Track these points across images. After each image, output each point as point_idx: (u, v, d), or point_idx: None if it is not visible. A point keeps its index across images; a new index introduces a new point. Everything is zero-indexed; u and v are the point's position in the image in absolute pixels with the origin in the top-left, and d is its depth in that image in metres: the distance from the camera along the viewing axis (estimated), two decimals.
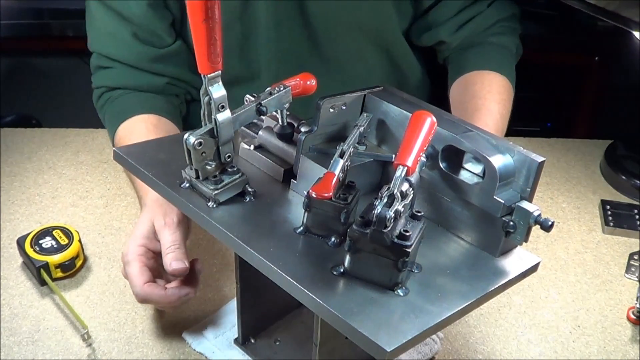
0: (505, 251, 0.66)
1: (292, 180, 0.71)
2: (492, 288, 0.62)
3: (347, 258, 0.59)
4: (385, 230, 0.56)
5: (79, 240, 0.93)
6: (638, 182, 1.14)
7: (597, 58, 1.69)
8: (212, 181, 0.66)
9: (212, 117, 0.64)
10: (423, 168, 0.66)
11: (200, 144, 0.64)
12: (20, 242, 0.91)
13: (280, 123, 0.72)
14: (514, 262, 0.66)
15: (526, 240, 0.64)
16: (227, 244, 0.65)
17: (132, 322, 0.85)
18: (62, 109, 1.34)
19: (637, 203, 1.12)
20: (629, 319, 0.90)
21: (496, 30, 1.11)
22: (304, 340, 0.80)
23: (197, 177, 0.66)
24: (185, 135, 0.64)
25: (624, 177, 1.16)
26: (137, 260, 0.78)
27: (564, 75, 1.73)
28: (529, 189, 0.64)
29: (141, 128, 0.97)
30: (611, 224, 1.06)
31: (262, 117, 0.70)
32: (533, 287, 0.94)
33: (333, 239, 0.63)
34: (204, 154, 0.65)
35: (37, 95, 1.73)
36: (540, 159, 0.63)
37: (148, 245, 0.80)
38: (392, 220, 0.56)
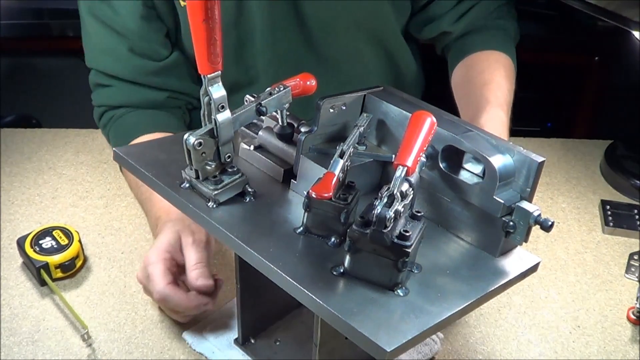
0: (505, 251, 0.66)
1: (292, 180, 0.71)
2: (492, 288, 0.62)
3: (347, 258, 0.59)
4: (385, 231, 0.56)
5: (79, 241, 0.93)
6: (638, 182, 1.14)
7: (597, 58, 1.69)
8: (212, 181, 0.66)
9: (212, 117, 0.64)
10: (423, 168, 0.66)
11: (200, 144, 0.64)
12: (20, 243, 0.91)
13: (280, 123, 0.72)
14: (514, 262, 0.66)
15: (526, 241, 0.64)
16: (227, 244, 0.65)
17: (132, 322, 0.85)
18: (62, 109, 1.34)
19: (637, 203, 1.12)
20: (629, 319, 0.90)
21: (495, 15, 1.12)
22: (304, 340, 0.80)
23: (197, 178, 0.67)
24: (185, 136, 0.64)
25: (624, 177, 1.16)
26: (162, 263, 0.79)
27: (564, 75, 1.73)
28: (529, 189, 0.64)
29: None
30: (611, 224, 1.06)
31: (262, 117, 0.70)
32: (533, 287, 0.94)
33: (333, 239, 0.63)
34: (204, 154, 0.65)
35: (37, 95, 1.73)
36: (540, 159, 0.63)
37: (173, 254, 0.82)
38: (392, 221, 0.56)
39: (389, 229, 0.56)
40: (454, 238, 0.68)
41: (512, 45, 1.12)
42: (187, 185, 0.68)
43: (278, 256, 0.61)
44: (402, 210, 0.57)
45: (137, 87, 1.05)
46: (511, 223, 0.64)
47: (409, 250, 0.57)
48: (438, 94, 1.10)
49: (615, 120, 1.65)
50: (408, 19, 1.14)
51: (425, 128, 0.60)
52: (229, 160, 0.67)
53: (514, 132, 1.05)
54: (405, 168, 0.57)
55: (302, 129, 0.71)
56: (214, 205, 0.66)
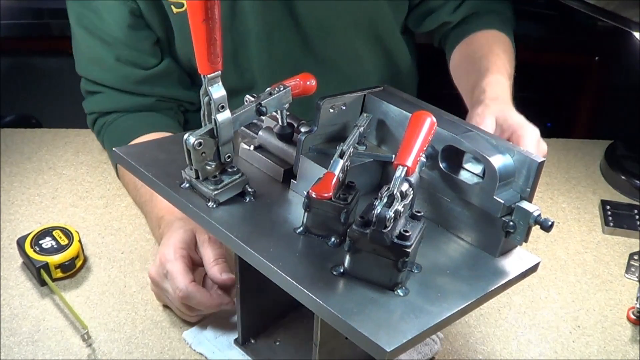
0: (505, 251, 0.66)
1: (292, 180, 0.71)
2: (492, 288, 0.62)
3: (347, 258, 0.59)
4: (385, 230, 0.56)
5: (79, 241, 0.93)
6: (638, 182, 1.14)
7: (597, 58, 1.69)
8: (212, 181, 0.66)
9: (212, 117, 0.64)
10: (423, 168, 0.66)
11: (200, 144, 0.64)
12: (20, 243, 0.91)
13: (280, 123, 0.72)
14: (513, 262, 0.66)
15: (526, 241, 0.64)
16: (227, 244, 0.65)
17: (132, 322, 0.85)
18: (62, 109, 1.34)
19: (637, 203, 1.12)
20: (629, 319, 0.90)
21: (491, 0, 1.13)
22: (304, 340, 0.80)
23: (197, 177, 0.67)
24: (185, 136, 0.64)
25: (624, 177, 1.16)
26: (181, 261, 0.79)
27: (564, 75, 1.73)
28: (529, 189, 0.64)
29: None
30: (611, 224, 1.06)
31: (262, 117, 0.70)
32: (533, 287, 0.94)
33: (333, 239, 0.63)
34: (204, 154, 0.65)
35: (37, 95, 1.73)
36: (540, 159, 0.63)
37: (188, 251, 0.82)
38: (392, 220, 0.56)
39: (389, 229, 0.56)
40: (454, 238, 0.68)
41: (509, 27, 1.13)
42: (187, 185, 0.68)
43: (278, 256, 0.61)
44: (402, 210, 0.57)
45: (125, 94, 1.06)
46: (511, 223, 0.64)
47: (409, 250, 0.57)
48: (432, 89, 1.10)
49: (615, 120, 1.66)
50: (406, 14, 1.14)
51: (425, 128, 0.60)
52: (229, 160, 0.67)
53: None
54: (405, 168, 0.57)
55: (302, 129, 0.71)
56: (214, 205, 0.66)
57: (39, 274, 0.88)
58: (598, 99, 1.75)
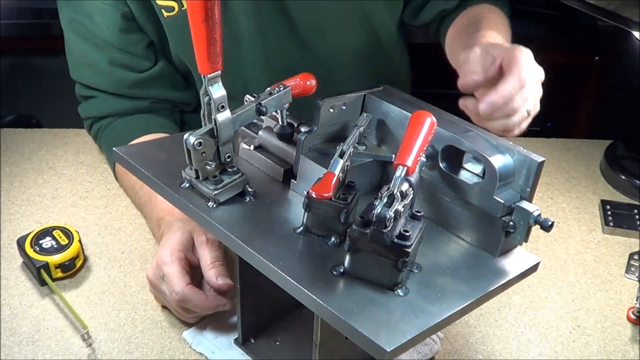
0: (505, 251, 0.66)
1: (292, 180, 0.71)
2: (492, 288, 0.62)
3: (347, 258, 0.59)
4: (385, 230, 0.56)
5: (79, 241, 0.93)
6: (638, 182, 1.14)
7: (597, 58, 1.69)
8: (212, 181, 0.66)
9: (212, 117, 0.64)
10: (423, 168, 0.66)
11: (200, 144, 0.64)
12: (20, 242, 0.91)
13: (280, 123, 0.72)
14: (513, 262, 0.66)
15: (526, 240, 0.64)
16: (227, 244, 0.65)
17: (132, 322, 0.85)
18: (62, 109, 1.34)
19: (637, 203, 1.12)
20: (629, 319, 0.90)
21: None
22: (304, 340, 0.80)
23: (197, 177, 0.67)
24: (185, 136, 0.64)
25: (624, 177, 1.16)
26: (178, 263, 0.79)
27: (564, 75, 1.73)
28: (529, 189, 0.64)
29: None
30: (611, 224, 1.06)
31: (262, 117, 0.70)
32: (533, 287, 0.94)
33: (333, 239, 0.63)
34: (204, 154, 0.65)
35: (37, 95, 1.73)
36: (540, 159, 0.63)
37: (186, 253, 0.81)
38: (392, 220, 0.56)
39: (389, 229, 0.56)
40: (454, 238, 0.68)
41: (506, 9, 1.11)
42: (187, 185, 0.68)
43: (278, 256, 0.61)
44: (402, 210, 0.57)
45: (119, 97, 1.06)
46: (511, 223, 0.64)
47: (409, 250, 0.57)
48: (428, 89, 1.10)
49: (615, 120, 1.66)
50: (401, 10, 1.14)
51: (425, 128, 0.60)
52: (229, 160, 0.67)
53: None
54: (405, 168, 0.57)
55: (302, 129, 0.71)
56: (214, 205, 0.66)
57: (39, 273, 0.88)
58: (598, 99, 1.75)
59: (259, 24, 1.03)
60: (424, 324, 0.56)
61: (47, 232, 0.93)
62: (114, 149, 0.74)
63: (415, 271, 0.62)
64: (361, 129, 0.68)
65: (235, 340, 0.82)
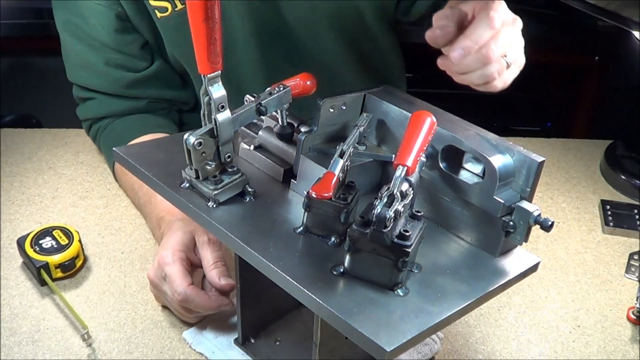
0: (505, 251, 0.66)
1: (292, 180, 0.71)
2: (492, 288, 0.62)
3: (347, 258, 0.59)
4: (385, 230, 0.56)
5: (79, 241, 0.93)
6: (638, 182, 1.14)
7: (597, 58, 1.69)
8: (212, 181, 0.66)
9: (212, 117, 0.64)
10: (423, 168, 0.66)
11: (200, 144, 0.64)
12: (20, 242, 0.91)
13: (280, 123, 0.72)
14: (513, 262, 0.66)
15: (526, 240, 0.64)
16: (227, 244, 0.65)
17: (132, 322, 0.85)
18: (62, 109, 1.34)
19: (637, 203, 1.12)
20: (629, 319, 0.90)
21: None
22: (304, 340, 0.80)
23: (197, 177, 0.67)
24: (185, 136, 0.64)
25: (623, 177, 1.16)
26: (179, 263, 0.79)
27: (564, 75, 1.73)
28: (529, 189, 0.64)
29: None
30: (611, 224, 1.06)
31: (262, 117, 0.70)
32: (533, 287, 0.94)
33: (333, 239, 0.63)
34: (204, 154, 0.65)
35: (37, 95, 1.73)
36: (540, 159, 0.63)
37: (187, 253, 0.81)
38: (392, 220, 0.56)
39: (389, 228, 0.56)
40: (454, 238, 0.68)
41: None
42: (187, 185, 0.68)
43: (278, 256, 0.61)
44: (402, 210, 0.57)
45: (117, 98, 1.07)
46: (511, 223, 0.64)
47: (409, 250, 0.57)
48: (425, 86, 1.10)
49: (615, 120, 1.66)
50: (394, 7, 1.13)
51: (425, 128, 0.60)
52: (229, 160, 0.67)
53: (514, 132, 1.05)
54: (405, 168, 0.57)
55: (302, 129, 0.71)
56: (214, 205, 0.66)
57: (39, 273, 0.88)
58: (598, 99, 1.75)
59: (253, 24, 1.03)
60: (424, 324, 0.56)
61: (47, 232, 0.93)
62: (114, 149, 0.74)
63: (415, 271, 0.62)
64: (361, 129, 0.68)
65: (235, 340, 0.82)
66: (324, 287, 0.58)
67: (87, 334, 0.81)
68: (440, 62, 0.73)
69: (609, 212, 1.09)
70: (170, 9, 0.99)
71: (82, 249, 0.94)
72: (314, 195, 0.58)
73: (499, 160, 0.64)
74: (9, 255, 0.95)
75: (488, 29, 0.70)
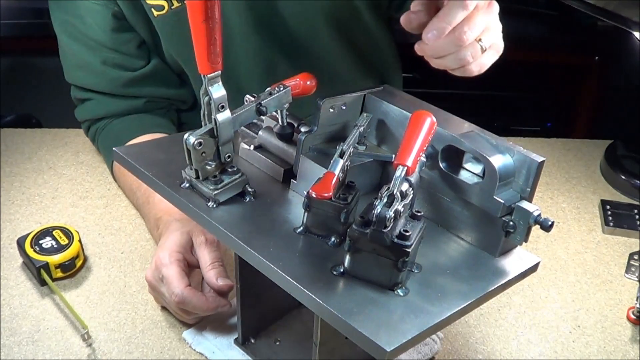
0: (505, 251, 0.66)
1: (292, 180, 0.71)
2: (492, 288, 0.62)
3: (347, 258, 0.59)
4: (385, 230, 0.56)
5: (79, 241, 0.93)
6: (638, 182, 1.14)
7: (597, 58, 1.69)
8: (212, 181, 0.66)
9: (212, 117, 0.64)
10: (423, 168, 0.66)
11: (200, 144, 0.64)
12: (20, 242, 0.91)
13: (280, 123, 0.72)
14: (513, 262, 0.66)
15: (526, 240, 0.64)
16: (227, 244, 0.65)
17: (132, 322, 0.85)
18: (62, 109, 1.35)
19: (637, 203, 1.12)
20: (629, 319, 0.90)
21: None
22: (304, 340, 0.80)
23: (197, 177, 0.67)
24: (185, 135, 0.64)
25: (623, 177, 1.16)
26: (176, 265, 0.79)
27: (564, 75, 1.73)
28: (529, 189, 0.64)
29: None
30: (611, 224, 1.06)
31: (262, 117, 0.70)
32: (533, 287, 0.94)
33: (333, 239, 0.63)
34: (204, 154, 0.65)
35: (37, 95, 1.73)
36: (540, 159, 0.63)
37: (184, 254, 0.81)
38: (392, 220, 0.56)
39: (389, 228, 0.56)
40: (454, 238, 0.68)
41: None
42: (187, 185, 0.68)
43: (278, 256, 0.61)
44: (402, 210, 0.57)
45: (114, 97, 1.06)
46: (511, 223, 0.64)
47: (409, 250, 0.57)
48: (424, 86, 1.10)
49: (615, 120, 1.66)
50: (387, 4, 1.13)
51: (425, 128, 0.60)
52: (229, 160, 0.67)
53: (514, 132, 1.05)
54: (405, 168, 0.57)
55: (302, 129, 0.71)
56: (214, 205, 0.66)
57: (39, 273, 0.88)
58: (598, 99, 1.75)
59: (251, 21, 1.03)
60: (424, 324, 0.56)
61: (47, 232, 0.93)
62: (113, 149, 0.74)
63: (415, 271, 0.62)
64: (361, 129, 0.68)
65: (235, 340, 0.82)
66: (324, 287, 0.58)
67: (87, 334, 0.81)
68: (418, 47, 0.72)
69: (609, 212, 1.09)
70: (166, 7, 0.99)
71: (82, 249, 0.94)
72: (314, 195, 0.58)
73: (499, 160, 0.64)
74: (9, 255, 0.95)
75: (461, 9, 0.68)
